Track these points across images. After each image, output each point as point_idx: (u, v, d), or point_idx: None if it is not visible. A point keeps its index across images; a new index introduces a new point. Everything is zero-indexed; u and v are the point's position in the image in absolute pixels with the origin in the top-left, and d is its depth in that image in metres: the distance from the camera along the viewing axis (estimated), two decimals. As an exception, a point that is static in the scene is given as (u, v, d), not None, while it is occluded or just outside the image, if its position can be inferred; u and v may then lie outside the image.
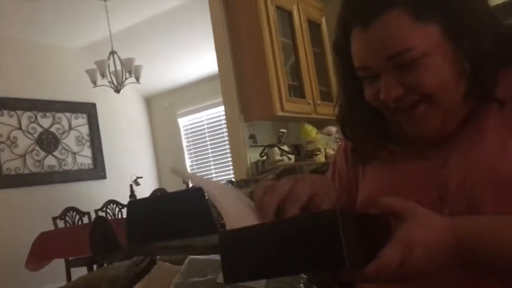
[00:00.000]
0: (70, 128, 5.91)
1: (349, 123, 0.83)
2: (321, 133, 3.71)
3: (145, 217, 0.62)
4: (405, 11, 0.68)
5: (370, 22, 0.69)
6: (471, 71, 0.70)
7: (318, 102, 3.80)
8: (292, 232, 0.52)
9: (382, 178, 0.80)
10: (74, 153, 5.88)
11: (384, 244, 0.59)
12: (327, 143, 3.64)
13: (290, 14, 3.77)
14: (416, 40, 0.68)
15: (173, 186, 5.91)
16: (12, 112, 5.33)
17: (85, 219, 4.67)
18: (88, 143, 6.08)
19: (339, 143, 3.60)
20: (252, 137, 3.43)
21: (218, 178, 6.57)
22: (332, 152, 3.55)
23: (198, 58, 6.00)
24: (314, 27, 4.06)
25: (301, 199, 0.66)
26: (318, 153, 3.47)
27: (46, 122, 5.66)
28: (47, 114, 5.67)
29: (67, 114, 5.89)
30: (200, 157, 6.80)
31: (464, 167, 0.71)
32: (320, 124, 3.77)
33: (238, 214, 0.63)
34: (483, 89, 0.71)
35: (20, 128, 5.38)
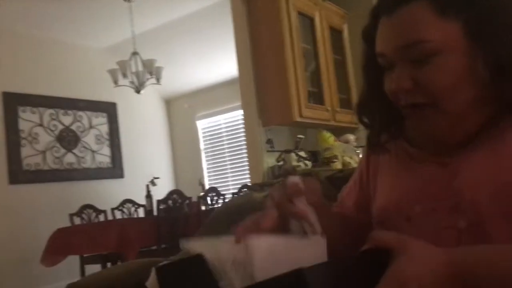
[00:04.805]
0: (91, 126, 5.99)
1: (366, 110, 0.84)
2: (339, 141, 3.69)
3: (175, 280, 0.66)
4: (430, 3, 0.68)
5: (394, 10, 0.71)
6: (491, 78, 0.68)
7: (337, 109, 3.78)
8: None
9: (398, 185, 0.80)
10: (93, 152, 5.95)
11: None
12: (344, 151, 3.62)
13: (312, 21, 3.77)
14: (434, 34, 0.68)
15: (189, 187, 5.94)
16: (35, 109, 5.42)
17: (101, 217, 4.72)
18: (107, 142, 6.15)
19: (358, 151, 3.58)
20: (269, 142, 3.44)
21: (234, 182, 6.58)
22: (348, 160, 3.52)
23: (218, 62, 6.03)
24: (335, 34, 4.05)
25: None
26: (335, 160, 3.45)
27: (67, 119, 5.74)
28: (69, 112, 5.76)
29: (88, 112, 5.97)
30: (217, 160, 6.82)
31: (478, 179, 0.69)
32: (338, 132, 3.75)
33: None
34: (503, 98, 0.69)
35: (41, 125, 5.47)
